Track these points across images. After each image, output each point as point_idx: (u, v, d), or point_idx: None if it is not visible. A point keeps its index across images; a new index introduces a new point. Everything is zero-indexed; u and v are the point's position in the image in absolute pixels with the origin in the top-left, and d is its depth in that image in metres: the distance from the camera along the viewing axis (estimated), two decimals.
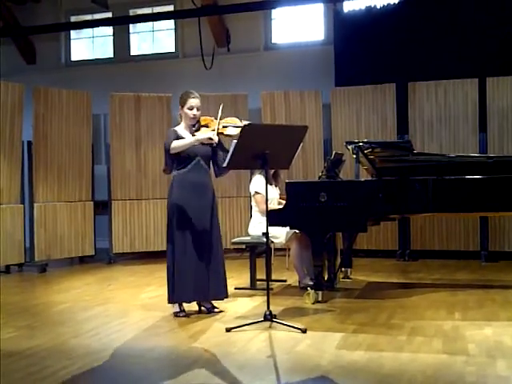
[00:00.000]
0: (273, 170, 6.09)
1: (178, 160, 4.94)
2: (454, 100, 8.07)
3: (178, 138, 4.91)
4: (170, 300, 4.97)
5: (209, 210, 4.98)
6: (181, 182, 4.93)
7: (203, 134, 4.92)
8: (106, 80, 10.03)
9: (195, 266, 4.88)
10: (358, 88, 8.45)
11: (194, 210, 4.90)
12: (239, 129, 4.85)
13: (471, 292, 5.76)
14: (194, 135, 4.95)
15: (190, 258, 4.87)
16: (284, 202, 5.63)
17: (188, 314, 4.99)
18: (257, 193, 6.00)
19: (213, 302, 5.10)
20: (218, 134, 4.90)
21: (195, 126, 4.99)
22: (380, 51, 8.43)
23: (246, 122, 4.70)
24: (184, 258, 4.87)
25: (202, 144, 4.92)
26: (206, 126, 4.97)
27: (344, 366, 3.61)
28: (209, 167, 5.04)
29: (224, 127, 4.92)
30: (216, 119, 4.96)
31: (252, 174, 6.22)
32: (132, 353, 4.02)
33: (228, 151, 4.93)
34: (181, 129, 5.00)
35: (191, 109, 4.95)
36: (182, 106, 4.98)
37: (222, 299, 5.08)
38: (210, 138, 4.83)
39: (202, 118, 5.02)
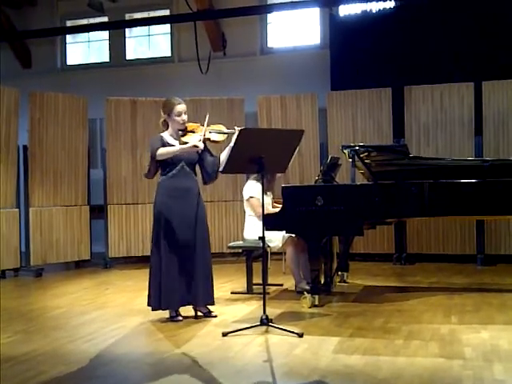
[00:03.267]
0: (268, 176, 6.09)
1: (162, 165, 4.94)
2: (449, 104, 8.09)
3: (164, 144, 4.89)
4: (156, 306, 4.92)
5: (194, 215, 4.93)
6: (165, 187, 4.91)
7: (189, 138, 4.91)
8: (101, 84, 10.02)
9: (181, 273, 4.86)
10: (354, 92, 8.46)
11: (179, 215, 4.87)
12: (225, 135, 4.88)
13: (468, 295, 5.77)
14: (180, 141, 4.93)
15: (176, 264, 4.85)
16: (279, 205, 5.64)
17: (184, 319, 4.98)
18: (251, 197, 6.01)
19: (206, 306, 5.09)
20: (204, 140, 4.89)
21: (182, 131, 4.98)
22: (376, 55, 8.45)
23: (240, 128, 4.69)
24: (169, 265, 4.83)
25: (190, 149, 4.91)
26: (192, 131, 4.97)
27: (341, 370, 3.60)
28: (194, 172, 5.02)
29: (210, 133, 4.92)
30: (202, 125, 4.95)
31: (248, 179, 6.23)
32: (128, 357, 4.01)
33: (215, 156, 4.95)
34: (167, 135, 4.99)
35: (180, 115, 4.93)
36: (169, 114, 4.95)
37: (210, 305, 5.07)
38: (195, 146, 4.77)
39: (189, 124, 5.01)
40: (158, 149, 4.83)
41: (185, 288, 4.88)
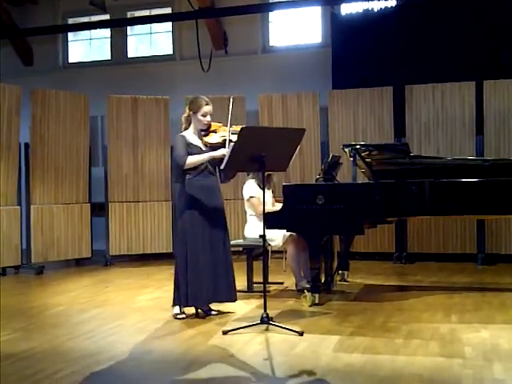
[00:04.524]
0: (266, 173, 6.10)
1: None
2: (451, 103, 8.08)
3: (188, 144, 4.91)
4: (183, 303, 4.93)
5: (221, 212, 5.06)
6: (191, 186, 4.93)
7: (211, 138, 4.95)
8: (103, 82, 10.03)
9: (209, 269, 4.89)
10: (356, 91, 8.46)
11: (208, 212, 4.94)
12: None
13: (468, 295, 5.76)
14: (203, 140, 4.98)
15: (205, 260, 4.88)
16: (279, 204, 5.63)
17: (187, 317, 4.97)
18: (251, 197, 6.01)
19: (222, 303, 5.10)
20: (226, 140, 4.91)
21: (204, 131, 5.00)
22: (377, 54, 8.44)
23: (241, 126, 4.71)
24: (198, 261, 4.87)
25: (213, 148, 4.95)
26: (214, 131, 5.01)
27: (341, 369, 3.60)
28: (215, 171, 5.06)
29: (232, 134, 4.92)
30: (224, 125, 4.96)
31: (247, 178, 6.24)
32: (128, 355, 4.01)
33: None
34: (189, 134, 5.00)
35: (205, 115, 4.96)
36: (195, 112, 4.96)
37: (234, 301, 5.08)
38: (224, 156, 4.79)
39: (211, 124, 5.04)
40: (184, 157, 4.84)
41: (212, 285, 4.90)
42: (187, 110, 5.05)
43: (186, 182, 4.94)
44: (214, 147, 4.96)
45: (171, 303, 5.02)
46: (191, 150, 4.90)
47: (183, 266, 4.91)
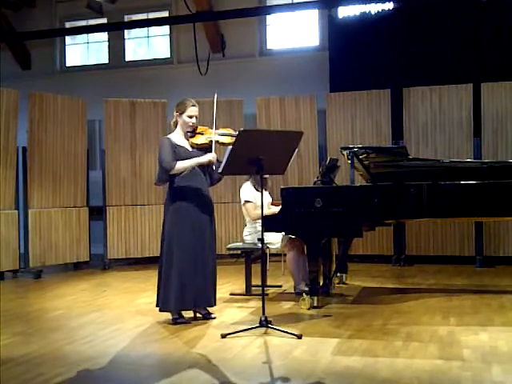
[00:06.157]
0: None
1: None
2: (448, 105, 8.10)
3: (174, 146, 4.90)
4: (167, 308, 4.92)
5: (208, 215, 5.00)
6: (179, 188, 4.92)
7: (197, 139, 4.95)
8: (100, 86, 10.04)
9: (194, 272, 4.86)
10: (353, 93, 8.47)
11: (194, 215, 4.91)
12: (233, 138, 4.88)
13: (466, 297, 5.77)
14: (189, 142, 4.97)
15: (189, 264, 4.85)
16: (275, 207, 5.63)
17: (186, 321, 4.96)
18: (247, 202, 5.99)
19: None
20: (212, 142, 4.91)
21: (190, 133, 5.00)
22: (375, 57, 8.46)
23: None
24: (183, 264, 4.84)
25: (199, 149, 4.94)
26: (201, 133, 5.01)
27: (340, 372, 3.60)
28: (204, 175, 5.04)
29: (218, 136, 4.93)
30: (211, 128, 4.97)
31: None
32: (127, 359, 4.01)
33: (221, 162, 4.96)
34: (176, 136, 5.00)
35: (191, 117, 4.96)
36: (181, 113, 4.97)
37: (212, 306, 5.06)
38: (210, 161, 4.85)
39: (198, 126, 5.04)
40: (171, 162, 4.82)
41: (196, 289, 4.87)
42: (174, 114, 5.05)
43: (173, 185, 4.93)
44: (200, 148, 4.96)
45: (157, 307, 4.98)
46: (177, 150, 4.89)
47: (168, 269, 4.87)
